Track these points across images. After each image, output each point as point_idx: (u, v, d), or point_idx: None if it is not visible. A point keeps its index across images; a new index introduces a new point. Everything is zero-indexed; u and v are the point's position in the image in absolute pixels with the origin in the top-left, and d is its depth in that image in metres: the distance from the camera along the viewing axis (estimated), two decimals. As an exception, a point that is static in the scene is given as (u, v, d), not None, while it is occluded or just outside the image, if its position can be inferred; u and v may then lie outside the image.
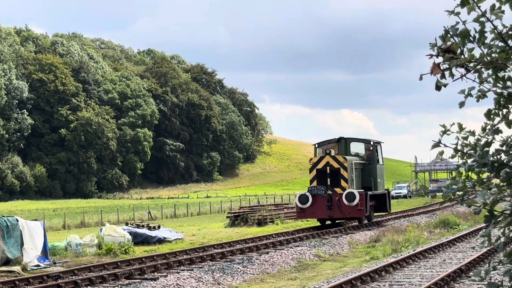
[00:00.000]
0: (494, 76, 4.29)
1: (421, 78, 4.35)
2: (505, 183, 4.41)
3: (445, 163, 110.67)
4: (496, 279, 15.80)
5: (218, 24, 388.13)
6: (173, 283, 19.10)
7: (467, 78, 4.29)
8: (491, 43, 4.24)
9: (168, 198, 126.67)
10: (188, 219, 59.58)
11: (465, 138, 4.47)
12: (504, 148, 4.43)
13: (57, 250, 27.43)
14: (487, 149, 4.40)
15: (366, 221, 38.14)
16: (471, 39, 4.22)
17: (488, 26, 4.20)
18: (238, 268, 21.92)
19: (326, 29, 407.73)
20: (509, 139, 4.45)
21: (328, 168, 35.46)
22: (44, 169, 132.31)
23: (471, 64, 4.24)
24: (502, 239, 4.57)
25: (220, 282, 20.06)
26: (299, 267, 23.40)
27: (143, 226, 33.72)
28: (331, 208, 35.15)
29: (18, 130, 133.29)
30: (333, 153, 36.75)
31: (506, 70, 4.28)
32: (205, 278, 20.09)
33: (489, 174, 4.46)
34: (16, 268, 23.09)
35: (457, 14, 4.21)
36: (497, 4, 4.17)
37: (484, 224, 28.09)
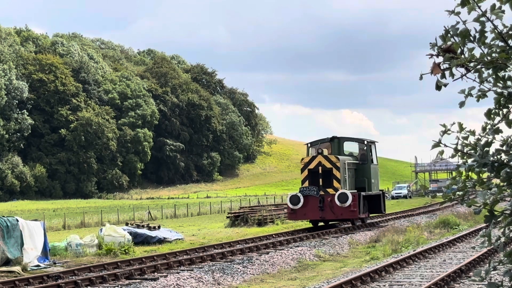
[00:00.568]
0: (494, 76, 4.28)
1: (421, 78, 4.35)
2: (505, 183, 4.40)
3: (445, 163, 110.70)
4: (496, 279, 15.80)
5: (218, 24, 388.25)
6: (173, 283, 19.10)
7: (467, 77, 4.29)
8: (492, 43, 4.23)
9: (168, 198, 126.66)
10: (188, 219, 59.58)
11: (465, 138, 4.47)
12: (504, 148, 4.42)
13: (57, 250, 27.43)
14: (487, 149, 4.40)
15: (359, 223, 37.36)
16: (471, 38, 4.22)
17: (489, 26, 4.20)
18: (238, 268, 21.92)
19: (326, 29, 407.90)
20: (509, 139, 4.44)
21: (320, 168, 34.68)
22: (44, 169, 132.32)
23: (471, 64, 4.23)
24: (502, 239, 4.57)
25: (220, 282, 20.05)
26: (299, 267, 23.40)
27: (143, 226, 33.72)
28: (323, 209, 34.36)
29: (18, 130, 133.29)
30: (326, 152, 36.05)
31: (506, 70, 4.27)
32: (205, 278, 20.09)
33: (489, 174, 4.46)
34: (16, 268, 23.09)
35: (458, 14, 4.20)
36: (498, 4, 4.17)
37: (484, 224, 28.07)
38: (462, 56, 4.23)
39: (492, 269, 4.52)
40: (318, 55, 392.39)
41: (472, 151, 4.45)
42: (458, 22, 4.22)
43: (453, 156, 4.55)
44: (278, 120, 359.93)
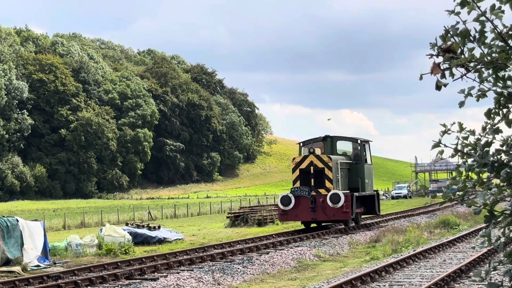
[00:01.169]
0: (494, 76, 4.28)
1: (421, 78, 4.35)
2: (505, 183, 4.40)
3: (445, 163, 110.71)
4: (496, 279, 15.80)
5: (218, 24, 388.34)
6: (173, 283, 19.09)
7: (467, 77, 4.29)
8: (491, 43, 4.23)
9: (168, 198, 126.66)
10: (188, 219, 59.57)
11: (466, 138, 4.46)
12: (504, 148, 4.42)
13: (57, 250, 27.42)
14: (487, 149, 4.39)
15: (353, 224, 36.32)
16: (471, 39, 4.22)
17: (488, 26, 4.20)
18: (238, 268, 21.91)
19: (326, 29, 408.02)
20: (509, 139, 4.44)
21: (312, 168, 33.74)
22: (44, 169, 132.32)
23: (471, 64, 4.23)
24: (502, 239, 4.57)
25: (220, 282, 20.05)
26: (299, 267, 23.39)
27: (143, 226, 33.71)
28: (315, 210, 33.39)
29: (18, 130, 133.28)
30: (319, 152, 35.17)
31: (506, 69, 4.27)
32: (205, 278, 20.09)
33: (489, 174, 4.46)
34: (16, 268, 23.09)
35: (457, 14, 4.20)
36: (497, 4, 4.17)
37: (484, 224, 28.07)
38: (462, 56, 4.23)
39: (492, 269, 4.52)
40: (318, 55, 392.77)
41: (472, 151, 4.45)
42: (458, 22, 4.22)
43: (453, 156, 4.55)
44: (278, 120, 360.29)
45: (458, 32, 4.21)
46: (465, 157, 4.48)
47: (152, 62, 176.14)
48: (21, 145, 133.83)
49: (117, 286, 19.35)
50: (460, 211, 46.61)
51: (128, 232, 30.52)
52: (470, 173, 4.51)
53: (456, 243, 27.34)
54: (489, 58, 4.21)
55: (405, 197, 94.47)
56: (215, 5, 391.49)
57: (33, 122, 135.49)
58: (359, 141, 37.19)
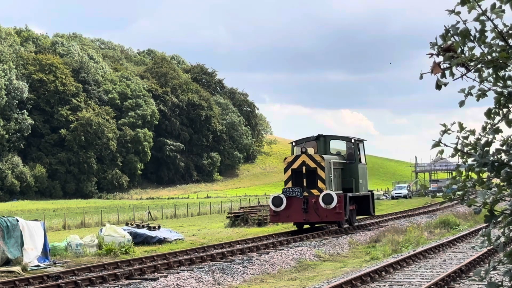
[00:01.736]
0: (494, 75, 4.28)
1: (421, 77, 4.34)
2: (505, 183, 4.40)
3: (445, 163, 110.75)
4: (496, 279, 15.79)
5: (218, 24, 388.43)
6: (173, 283, 19.09)
7: (468, 77, 4.29)
8: (492, 42, 4.23)
9: (168, 198, 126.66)
10: (188, 219, 59.58)
11: (466, 138, 4.46)
12: (504, 147, 4.42)
13: (57, 250, 27.42)
14: (487, 148, 4.39)
15: (346, 225, 35.64)
16: (472, 38, 4.21)
17: (489, 25, 4.19)
18: (238, 268, 21.91)
19: (326, 29, 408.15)
20: (510, 139, 4.44)
21: (304, 168, 32.96)
22: (44, 169, 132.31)
23: (472, 63, 4.23)
24: (502, 239, 4.56)
25: (220, 282, 20.05)
26: (299, 267, 23.39)
27: (143, 226, 33.71)
28: (307, 211, 32.66)
29: (18, 130, 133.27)
30: (311, 151, 34.48)
31: (507, 69, 4.27)
32: (205, 278, 20.08)
33: (489, 173, 4.45)
34: (16, 268, 23.08)
35: (458, 13, 4.20)
36: (498, 3, 4.16)
37: (484, 224, 28.03)
38: (462, 55, 4.22)
39: (492, 269, 4.52)
40: (318, 55, 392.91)
41: (472, 151, 4.44)
42: (458, 22, 4.22)
43: (453, 156, 4.54)
44: (278, 120, 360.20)
45: (458, 31, 4.21)
46: (465, 157, 4.48)
47: (152, 62, 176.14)
48: (21, 145, 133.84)
49: (117, 286, 19.35)
50: (460, 211, 46.62)
51: (128, 232, 30.52)
52: (470, 172, 4.50)
53: (456, 243, 27.34)
54: (489, 57, 4.20)
55: (405, 197, 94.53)
56: (215, 5, 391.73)
57: (33, 122, 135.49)
58: (353, 140, 36.37)
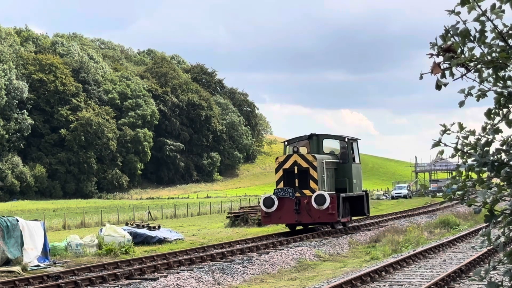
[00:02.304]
0: (494, 76, 4.28)
1: (421, 77, 4.35)
2: (505, 183, 4.40)
3: (445, 163, 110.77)
4: (496, 279, 15.79)
5: (218, 24, 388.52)
6: (173, 283, 19.09)
7: (467, 77, 4.29)
8: (492, 42, 4.23)
9: (168, 198, 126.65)
10: (188, 219, 59.58)
11: (465, 138, 4.47)
12: (504, 147, 4.42)
13: (57, 250, 27.42)
14: (487, 148, 4.40)
15: (340, 226, 34.91)
16: (472, 38, 4.22)
17: (489, 26, 4.20)
18: (238, 268, 21.92)
19: (326, 29, 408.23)
20: (509, 139, 4.44)
21: (296, 168, 32.09)
22: (44, 169, 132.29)
23: (472, 64, 4.23)
24: (502, 239, 4.57)
25: (220, 282, 20.05)
26: (299, 267, 23.40)
27: (143, 226, 33.71)
28: (300, 212, 31.82)
29: (18, 130, 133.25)
30: (304, 151, 33.86)
31: (506, 69, 4.27)
32: (205, 278, 20.09)
33: (489, 173, 4.46)
34: (16, 268, 23.09)
35: (458, 13, 4.20)
36: (498, 4, 4.17)
37: (484, 224, 28.03)
38: (462, 55, 4.23)
39: (491, 268, 4.52)
40: (318, 55, 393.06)
41: (472, 151, 4.45)
42: (458, 22, 4.22)
43: (453, 156, 4.55)
44: (278, 120, 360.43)
45: (458, 31, 4.22)
46: (465, 157, 4.48)
47: (152, 62, 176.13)
48: (21, 145, 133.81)
49: (117, 286, 19.35)
50: (460, 211, 46.63)
51: (128, 232, 30.52)
52: (470, 172, 4.51)
53: (456, 243, 27.34)
54: (489, 57, 4.21)
55: (405, 197, 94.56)
56: (215, 5, 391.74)
57: (33, 122, 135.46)
58: (346, 140, 35.47)
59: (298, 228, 34.46)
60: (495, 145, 4.43)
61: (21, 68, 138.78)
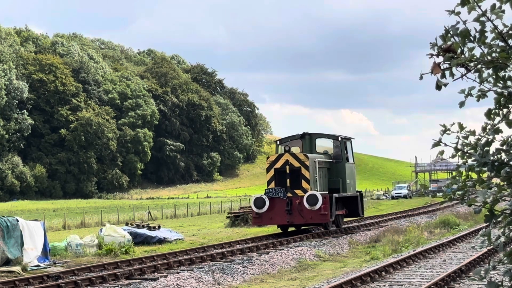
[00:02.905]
0: (494, 76, 4.28)
1: (421, 78, 4.35)
2: (505, 183, 4.41)
3: (445, 163, 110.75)
4: (496, 279, 15.80)
5: (218, 24, 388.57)
6: (173, 283, 19.10)
7: (467, 77, 4.29)
8: (492, 42, 4.23)
9: (168, 198, 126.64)
10: (188, 219, 59.58)
11: (466, 138, 4.47)
12: (504, 147, 4.42)
13: (57, 250, 27.42)
14: (488, 148, 4.40)
15: (333, 227, 33.94)
16: (472, 38, 4.22)
17: (489, 26, 4.20)
18: (238, 268, 21.92)
19: (326, 29, 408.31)
20: (509, 139, 4.44)
21: (287, 167, 31.29)
22: (44, 169, 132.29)
23: (472, 64, 4.23)
24: (502, 239, 4.57)
25: (220, 282, 20.06)
26: (299, 267, 23.40)
27: (143, 226, 33.71)
28: (291, 213, 31.00)
29: (18, 130, 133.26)
30: (296, 150, 33.24)
31: (507, 69, 4.28)
32: (205, 278, 20.09)
33: (489, 173, 4.46)
34: (16, 268, 23.09)
35: (458, 13, 4.21)
36: (498, 4, 4.17)
37: (484, 224, 28.06)
38: (462, 56, 4.23)
39: (491, 268, 4.52)
40: (318, 55, 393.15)
41: (472, 151, 4.45)
42: (458, 22, 4.22)
43: (453, 156, 4.55)
44: (278, 120, 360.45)
45: (458, 32, 4.22)
46: (465, 157, 4.49)
47: (152, 62, 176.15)
48: (21, 145, 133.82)
49: (117, 286, 19.35)
50: (460, 211, 46.63)
51: (128, 232, 30.52)
52: (470, 172, 4.51)
53: (456, 243, 27.34)
54: (489, 57, 4.21)
55: (405, 197, 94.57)
56: (215, 5, 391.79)
57: (33, 122, 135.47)
58: (339, 139, 34.71)
59: (290, 229, 33.81)
60: (495, 145, 4.43)
61: (21, 68, 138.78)
